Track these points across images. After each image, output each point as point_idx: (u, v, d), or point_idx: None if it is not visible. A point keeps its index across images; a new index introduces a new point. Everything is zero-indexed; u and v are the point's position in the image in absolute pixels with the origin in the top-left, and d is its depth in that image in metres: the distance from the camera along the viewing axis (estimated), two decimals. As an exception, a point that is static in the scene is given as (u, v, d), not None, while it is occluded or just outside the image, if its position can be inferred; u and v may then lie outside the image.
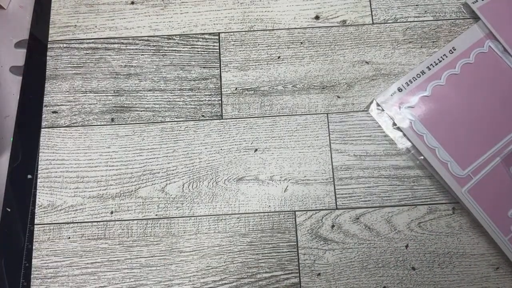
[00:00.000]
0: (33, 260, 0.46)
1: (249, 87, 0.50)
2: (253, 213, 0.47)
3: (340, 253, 0.46)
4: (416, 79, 0.49)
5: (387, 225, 0.46)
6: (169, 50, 0.52)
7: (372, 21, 0.52)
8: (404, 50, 0.51)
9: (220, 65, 0.51)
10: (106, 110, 0.50)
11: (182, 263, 0.46)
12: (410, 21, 0.52)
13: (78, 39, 0.52)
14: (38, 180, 0.48)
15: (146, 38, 0.52)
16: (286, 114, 0.49)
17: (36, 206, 0.47)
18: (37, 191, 0.48)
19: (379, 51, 0.51)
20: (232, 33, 0.52)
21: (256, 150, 0.48)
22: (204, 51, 0.52)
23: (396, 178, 0.47)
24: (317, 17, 0.52)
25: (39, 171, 0.48)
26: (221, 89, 0.50)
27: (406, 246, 0.46)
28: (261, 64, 0.51)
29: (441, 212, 0.46)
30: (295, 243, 0.46)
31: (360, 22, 0.52)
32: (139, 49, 0.52)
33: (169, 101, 0.50)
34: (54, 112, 0.50)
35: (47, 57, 0.52)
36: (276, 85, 0.50)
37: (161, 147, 0.49)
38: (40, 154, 0.49)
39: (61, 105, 0.50)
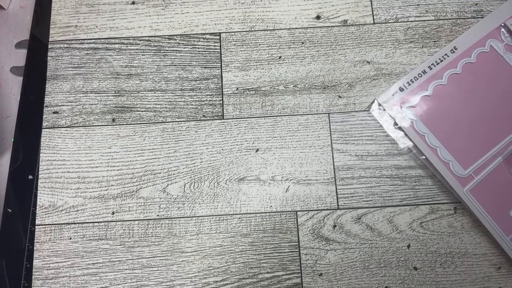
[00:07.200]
0: (34, 260, 0.46)
1: (250, 87, 0.50)
2: (255, 213, 0.47)
3: (342, 253, 0.46)
4: (417, 79, 0.49)
5: (389, 225, 0.46)
6: (170, 50, 0.52)
7: (373, 20, 0.52)
8: (405, 49, 0.51)
9: (221, 65, 0.51)
10: (107, 111, 0.50)
11: (183, 263, 0.45)
12: (411, 21, 0.52)
13: (79, 39, 0.52)
14: (39, 181, 0.48)
15: (147, 38, 0.52)
16: (287, 114, 0.49)
17: (37, 207, 0.47)
18: (38, 191, 0.48)
19: (380, 51, 0.51)
20: (233, 33, 0.52)
21: (257, 150, 0.48)
22: (205, 51, 0.52)
23: (397, 178, 0.47)
24: (318, 17, 0.52)
25: (40, 172, 0.48)
26: (222, 89, 0.50)
27: (408, 246, 0.46)
28: (262, 64, 0.51)
29: (443, 212, 0.46)
30: (297, 243, 0.46)
31: (361, 22, 0.52)
32: (140, 49, 0.52)
33: (170, 101, 0.50)
34: (55, 112, 0.50)
35: (48, 58, 0.52)
36: (277, 85, 0.50)
37: (162, 147, 0.49)
38: (41, 154, 0.49)
39: (62, 105, 0.50)
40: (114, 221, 0.47)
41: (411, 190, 0.47)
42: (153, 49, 0.52)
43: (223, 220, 0.47)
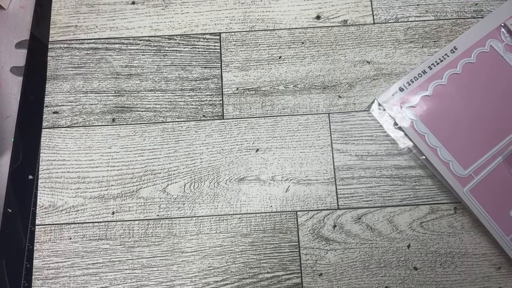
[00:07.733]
0: (34, 260, 0.46)
1: (250, 87, 0.50)
2: (255, 213, 0.47)
3: (342, 253, 0.46)
4: (417, 79, 0.49)
5: (389, 225, 0.46)
6: (170, 50, 0.52)
7: (373, 20, 0.52)
8: (405, 49, 0.51)
9: (221, 65, 0.51)
10: (107, 111, 0.50)
11: (183, 263, 0.45)
12: (411, 21, 0.52)
13: (79, 39, 0.52)
14: (39, 181, 0.48)
15: (147, 38, 0.52)
16: (287, 114, 0.49)
17: (37, 207, 0.47)
18: (38, 191, 0.48)
19: (380, 51, 0.51)
20: (233, 33, 0.52)
21: (257, 150, 0.48)
22: (205, 51, 0.52)
23: (397, 178, 0.47)
24: (318, 17, 0.52)
25: (40, 172, 0.48)
26: (222, 89, 0.50)
27: (408, 246, 0.46)
28: (262, 64, 0.51)
29: (443, 212, 0.46)
30: (297, 243, 0.46)
31: (361, 21, 0.52)
32: (140, 49, 0.52)
33: (170, 101, 0.50)
34: (55, 112, 0.50)
35: (48, 58, 0.52)
36: (278, 85, 0.50)
37: (163, 147, 0.49)
38: (41, 154, 0.49)
39: (62, 105, 0.50)
40: (114, 221, 0.47)
41: (411, 190, 0.47)
42: (153, 49, 0.52)
43: (223, 220, 0.47)
